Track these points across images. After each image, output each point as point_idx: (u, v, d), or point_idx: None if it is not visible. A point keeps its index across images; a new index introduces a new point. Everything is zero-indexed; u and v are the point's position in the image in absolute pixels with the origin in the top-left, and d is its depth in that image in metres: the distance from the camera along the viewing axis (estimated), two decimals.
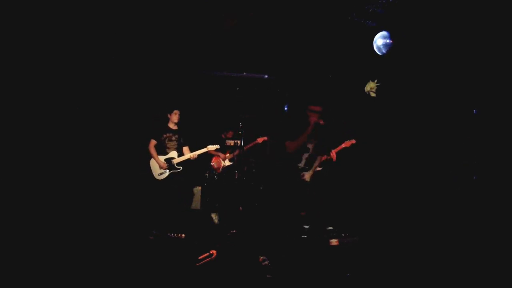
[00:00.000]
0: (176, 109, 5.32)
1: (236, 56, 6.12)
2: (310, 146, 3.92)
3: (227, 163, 6.25)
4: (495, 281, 3.43)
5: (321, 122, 3.89)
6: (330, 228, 5.14)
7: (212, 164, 6.28)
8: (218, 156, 6.25)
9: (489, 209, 4.30)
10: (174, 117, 5.30)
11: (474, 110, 4.64)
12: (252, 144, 6.20)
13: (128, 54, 5.65)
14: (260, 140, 6.24)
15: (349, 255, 4.09)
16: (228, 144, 6.28)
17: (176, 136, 5.34)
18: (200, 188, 6.32)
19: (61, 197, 4.82)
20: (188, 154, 5.27)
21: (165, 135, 5.31)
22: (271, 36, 5.47)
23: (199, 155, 5.30)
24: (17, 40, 4.27)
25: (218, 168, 6.25)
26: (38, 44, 4.52)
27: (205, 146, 5.34)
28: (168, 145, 5.31)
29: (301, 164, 3.92)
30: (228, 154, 6.24)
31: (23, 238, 3.99)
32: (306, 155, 3.90)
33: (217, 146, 5.40)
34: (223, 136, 6.36)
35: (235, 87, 6.87)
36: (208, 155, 6.24)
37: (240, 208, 5.75)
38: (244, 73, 6.66)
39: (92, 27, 4.88)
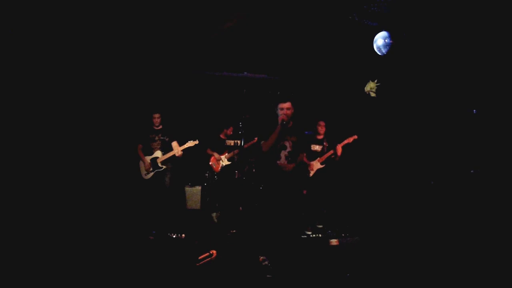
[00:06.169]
0: (154, 112, 5.48)
1: (234, 56, 6.11)
2: (287, 143, 3.90)
3: (225, 162, 6.23)
4: (495, 281, 3.43)
5: (285, 119, 3.78)
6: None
7: (210, 164, 6.26)
8: (214, 155, 6.22)
9: (489, 209, 4.30)
10: (154, 120, 5.49)
11: (474, 110, 4.64)
12: (251, 142, 6.16)
13: (126, 56, 5.64)
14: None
15: (349, 255, 4.09)
16: (228, 144, 6.26)
17: (159, 135, 5.53)
18: (200, 188, 6.31)
19: (60, 197, 4.82)
20: (172, 152, 5.44)
21: (149, 136, 5.52)
22: (269, 36, 5.46)
23: (184, 151, 5.45)
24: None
25: (217, 167, 6.23)
26: (26, 47, 4.47)
27: (185, 143, 5.48)
28: (152, 146, 5.52)
29: (281, 161, 3.90)
30: (226, 154, 6.21)
31: (21, 241, 3.98)
32: (285, 152, 3.89)
33: (196, 142, 5.50)
34: (222, 135, 6.31)
35: (233, 87, 6.85)
36: (207, 155, 6.24)
37: (240, 208, 5.74)
38: (228, 73, 6.66)
39: (84, 27, 4.82)
